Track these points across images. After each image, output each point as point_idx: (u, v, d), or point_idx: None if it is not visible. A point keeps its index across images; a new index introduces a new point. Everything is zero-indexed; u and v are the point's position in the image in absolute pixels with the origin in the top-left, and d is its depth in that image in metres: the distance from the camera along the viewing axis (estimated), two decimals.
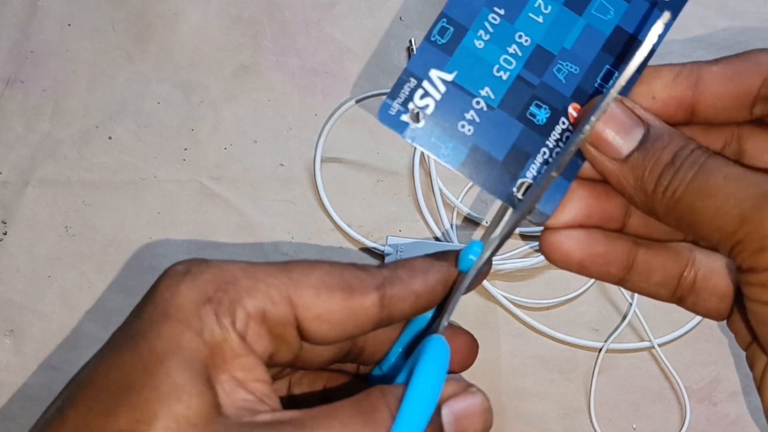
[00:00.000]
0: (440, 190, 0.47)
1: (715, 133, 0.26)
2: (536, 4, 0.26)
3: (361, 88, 0.49)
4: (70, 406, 0.21)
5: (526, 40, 0.26)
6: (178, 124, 0.49)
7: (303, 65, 0.50)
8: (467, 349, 0.29)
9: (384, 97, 0.49)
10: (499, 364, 0.45)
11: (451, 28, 0.26)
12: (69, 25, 0.51)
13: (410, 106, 0.26)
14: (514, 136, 0.26)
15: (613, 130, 0.24)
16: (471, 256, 0.26)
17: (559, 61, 0.26)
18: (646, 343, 0.45)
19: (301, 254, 0.47)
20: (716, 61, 0.25)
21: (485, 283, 0.45)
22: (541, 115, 0.26)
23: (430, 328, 0.28)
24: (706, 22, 0.51)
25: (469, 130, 0.26)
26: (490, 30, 0.26)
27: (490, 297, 0.46)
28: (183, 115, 0.49)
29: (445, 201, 0.47)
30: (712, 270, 0.27)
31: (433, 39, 0.26)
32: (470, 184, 0.48)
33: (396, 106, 0.26)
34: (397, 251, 0.46)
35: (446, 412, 0.23)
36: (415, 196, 0.48)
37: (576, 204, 0.26)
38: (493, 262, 0.45)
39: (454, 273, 0.26)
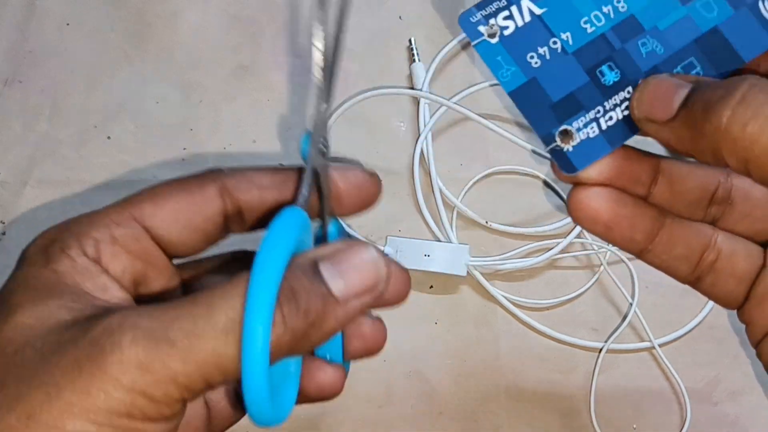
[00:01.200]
0: (440, 190, 0.47)
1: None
2: None
3: (360, 88, 0.49)
4: None
5: (623, 6, 0.26)
6: (177, 124, 0.49)
7: (302, 65, 0.50)
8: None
9: (384, 95, 0.49)
10: (499, 364, 0.45)
11: None
12: (68, 24, 0.51)
13: (491, 21, 0.27)
14: (575, 85, 0.26)
15: (659, 95, 0.24)
16: (304, 146, 0.27)
17: (648, 37, 0.26)
18: (646, 344, 0.45)
19: None
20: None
21: (485, 283, 0.45)
22: (610, 76, 0.26)
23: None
24: None
25: (537, 63, 0.26)
26: None
27: (490, 297, 0.46)
28: (182, 115, 0.49)
29: (445, 201, 0.47)
30: (733, 251, 0.27)
31: None
32: (470, 184, 0.48)
33: (479, 16, 0.27)
34: (397, 251, 0.45)
35: (324, 266, 0.22)
36: (415, 196, 0.47)
37: (606, 161, 0.26)
38: (493, 262, 0.45)
39: (296, 171, 0.26)
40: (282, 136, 0.49)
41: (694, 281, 0.28)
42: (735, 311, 0.28)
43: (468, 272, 0.45)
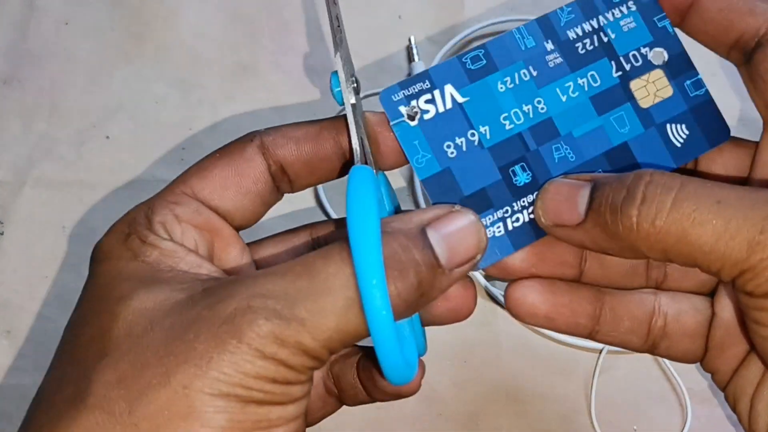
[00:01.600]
0: None
1: None
2: (567, 84, 0.26)
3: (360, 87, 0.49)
4: (56, 351, 0.24)
5: (543, 108, 0.26)
6: (176, 124, 0.49)
7: (302, 64, 0.50)
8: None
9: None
10: (500, 365, 0.45)
11: (484, 61, 0.27)
12: (66, 24, 0.51)
13: (413, 103, 0.26)
14: (487, 181, 0.26)
15: (561, 200, 0.25)
16: (336, 89, 0.27)
17: (562, 142, 0.26)
18: None
19: None
20: None
21: (485, 282, 0.45)
22: (522, 177, 0.26)
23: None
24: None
25: (452, 153, 0.26)
26: (516, 82, 0.26)
27: (490, 297, 0.45)
28: (181, 114, 0.49)
29: None
30: (680, 311, 0.27)
31: (464, 60, 0.27)
32: None
33: (401, 95, 0.27)
34: None
35: (432, 233, 0.23)
36: (415, 196, 0.47)
37: (527, 250, 0.26)
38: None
39: (331, 123, 0.26)
40: None
41: (650, 349, 0.28)
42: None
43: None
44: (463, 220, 0.24)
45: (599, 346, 0.45)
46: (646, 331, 0.27)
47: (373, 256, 0.21)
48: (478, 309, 0.46)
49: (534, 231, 0.26)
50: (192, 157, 0.48)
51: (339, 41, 0.27)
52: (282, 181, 0.27)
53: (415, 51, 0.49)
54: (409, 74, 0.50)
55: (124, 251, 0.24)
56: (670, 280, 0.28)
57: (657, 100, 0.27)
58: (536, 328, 0.45)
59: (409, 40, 0.50)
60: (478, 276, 0.45)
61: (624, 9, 0.27)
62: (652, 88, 0.27)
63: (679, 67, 0.27)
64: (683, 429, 0.44)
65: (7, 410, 0.43)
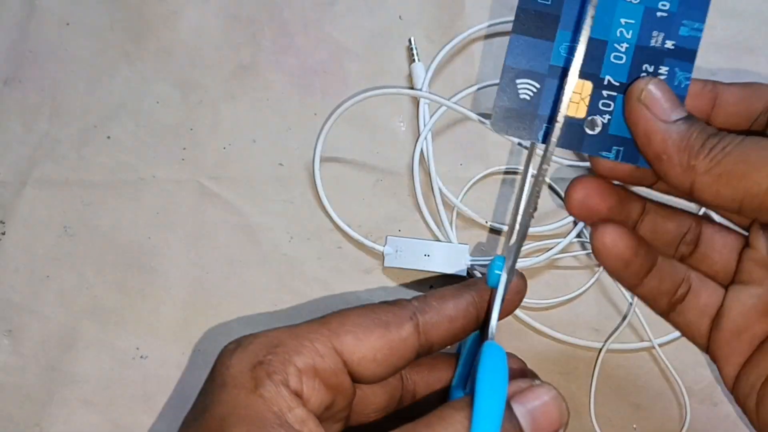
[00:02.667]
0: (440, 190, 0.47)
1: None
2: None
3: (360, 88, 0.49)
4: None
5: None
6: (176, 124, 0.49)
7: (302, 65, 0.50)
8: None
9: (384, 95, 0.49)
10: None
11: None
12: (68, 24, 0.51)
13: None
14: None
15: (665, 98, 0.26)
16: (496, 271, 0.28)
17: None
18: (646, 343, 0.45)
19: (301, 253, 0.47)
20: (730, 84, 0.28)
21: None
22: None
23: (481, 340, 0.29)
24: (707, 22, 0.51)
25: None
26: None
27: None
28: (182, 114, 0.49)
29: (444, 201, 0.47)
30: (700, 287, 0.29)
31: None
32: (470, 184, 0.48)
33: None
34: (396, 251, 0.45)
35: (518, 408, 0.24)
36: (415, 196, 0.47)
37: (605, 197, 0.28)
38: None
39: (485, 292, 0.28)
40: (282, 136, 0.49)
41: (667, 312, 0.30)
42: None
43: (468, 272, 0.45)
44: (547, 394, 0.25)
45: (599, 345, 0.45)
46: (673, 296, 0.29)
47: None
48: None
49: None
50: (192, 157, 0.48)
51: (521, 233, 0.28)
52: (421, 354, 0.27)
53: (415, 52, 0.49)
54: (410, 76, 0.50)
55: (249, 381, 0.24)
56: (691, 260, 0.30)
57: None
58: (536, 327, 0.45)
59: (410, 40, 0.50)
60: (478, 276, 0.45)
61: None
62: None
63: None
64: (682, 428, 0.44)
65: (9, 410, 0.43)
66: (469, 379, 0.28)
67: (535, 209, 0.27)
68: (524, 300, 0.45)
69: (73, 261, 0.46)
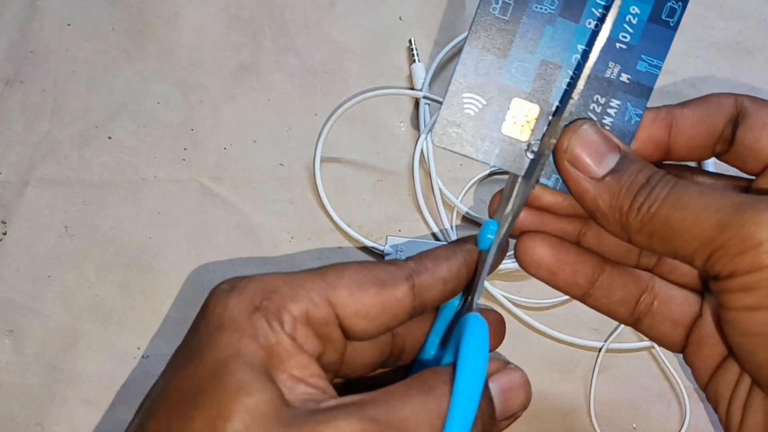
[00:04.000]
0: (440, 190, 0.47)
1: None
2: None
3: (360, 88, 0.49)
4: (150, 418, 0.23)
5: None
6: (177, 124, 0.49)
7: (302, 65, 0.50)
8: (498, 327, 0.30)
9: (384, 95, 0.49)
10: None
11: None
12: (68, 25, 0.51)
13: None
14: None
15: (591, 152, 0.26)
16: (489, 236, 0.28)
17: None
18: (645, 343, 0.45)
19: (301, 253, 0.47)
20: (685, 104, 0.27)
21: (485, 282, 0.45)
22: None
23: (463, 310, 0.29)
24: (705, 22, 0.51)
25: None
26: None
27: (490, 297, 0.46)
28: (183, 115, 0.49)
29: (444, 201, 0.47)
30: (669, 297, 0.29)
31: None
32: (470, 184, 0.48)
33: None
34: (396, 251, 0.46)
35: (493, 386, 0.25)
36: (415, 196, 0.48)
37: (533, 213, 0.28)
38: None
39: (475, 254, 0.28)
40: (282, 136, 0.49)
41: (634, 323, 0.29)
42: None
43: None
44: (519, 377, 0.26)
45: (599, 345, 0.45)
46: (633, 305, 0.29)
47: (470, 417, 0.23)
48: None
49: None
50: (193, 157, 0.48)
51: (515, 209, 0.28)
52: (414, 315, 0.27)
53: (415, 52, 0.50)
54: (410, 76, 0.50)
55: (248, 326, 0.24)
56: (661, 269, 0.29)
57: None
58: (536, 327, 0.45)
59: (410, 41, 0.50)
60: None
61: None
62: None
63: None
64: (682, 427, 0.44)
65: (11, 409, 0.44)
66: (448, 344, 0.27)
67: (537, 181, 0.27)
68: (524, 300, 0.46)
69: (75, 261, 0.46)
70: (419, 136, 0.48)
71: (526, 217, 0.28)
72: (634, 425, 0.44)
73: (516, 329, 0.46)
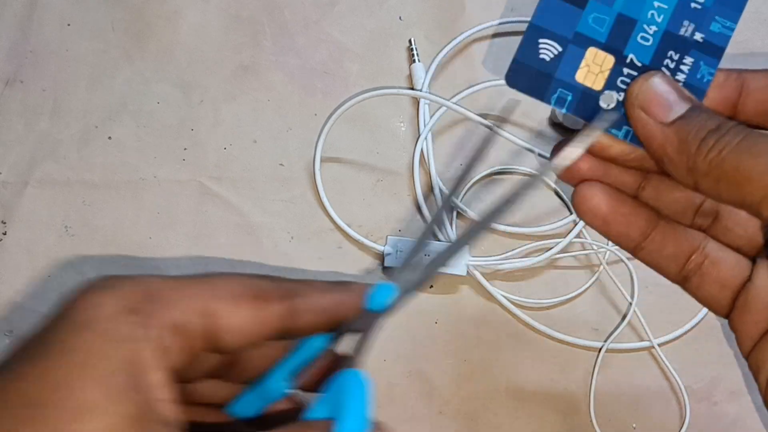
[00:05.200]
0: (440, 189, 0.47)
1: None
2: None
3: (360, 88, 0.49)
4: None
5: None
6: (177, 124, 0.49)
7: (302, 65, 0.50)
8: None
9: (384, 95, 0.49)
10: (499, 363, 0.45)
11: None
12: (68, 25, 0.51)
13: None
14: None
15: (662, 99, 0.26)
16: (382, 299, 0.27)
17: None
18: (645, 343, 0.45)
19: (301, 253, 0.47)
20: (758, 70, 0.27)
21: (485, 282, 0.45)
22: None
23: (341, 361, 0.28)
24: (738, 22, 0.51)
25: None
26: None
27: (490, 297, 0.46)
28: (182, 114, 0.49)
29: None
30: (720, 258, 0.29)
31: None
32: (470, 184, 0.48)
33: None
34: (396, 251, 0.46)
35: None
36: (415, 196, 0.48)
37: (595, 162, 0.28)
38: (493, 262, 0.46)
39: (358, 302, 0.27)
40: (282, 136, 0.49)
41: (682, 281, 0.29)
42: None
43: (468, 272, 0.45)
44: None
45: (599, 345, 0.45)
46: (683, 263, 0.29)
47: None
48: (478, 308, 0.47)
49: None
50: (193, 157, 0.48)
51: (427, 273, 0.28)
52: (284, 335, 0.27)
53: (415, 52, 0.50)
54: (410, 76, 0.50)
55: (115, 328, 0.21)
56: (714, 231, 0.30)
57: None
58: (536, 327, 0.45)
59: (410, 41, 0.50)
60: (478, 276, 0.45)
61: None
62: None
63: None
64: (682, 427, 0.44)
65: None
66: (321, 393, 0.26)
67: (453, 253, 0.28)
68: (524, 300, 0.46)
69: (75, 261, 0.46)
70: (419, 136, 0.48)
71: (587, 165, 0.28)
72: (634, 425, 0.44)
73: (516, 329, 0.46)
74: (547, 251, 0.46)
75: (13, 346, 0.22)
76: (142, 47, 0.51)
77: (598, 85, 0.27)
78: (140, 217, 0.47)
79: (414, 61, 0.50)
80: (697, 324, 0.46)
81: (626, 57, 0.27)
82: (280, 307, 0.26)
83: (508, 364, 0.45)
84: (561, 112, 0.27)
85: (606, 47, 0.27)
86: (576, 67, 0.27)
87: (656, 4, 0.27)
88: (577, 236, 0.46)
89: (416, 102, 0.49)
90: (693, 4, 0.27)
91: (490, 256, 0.46)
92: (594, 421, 0.44)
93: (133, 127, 0.49)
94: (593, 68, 0.27)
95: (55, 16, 0.51)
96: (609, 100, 0.27)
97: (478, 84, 0.48)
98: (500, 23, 0.50)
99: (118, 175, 0.48)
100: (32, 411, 0.20)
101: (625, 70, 0.27)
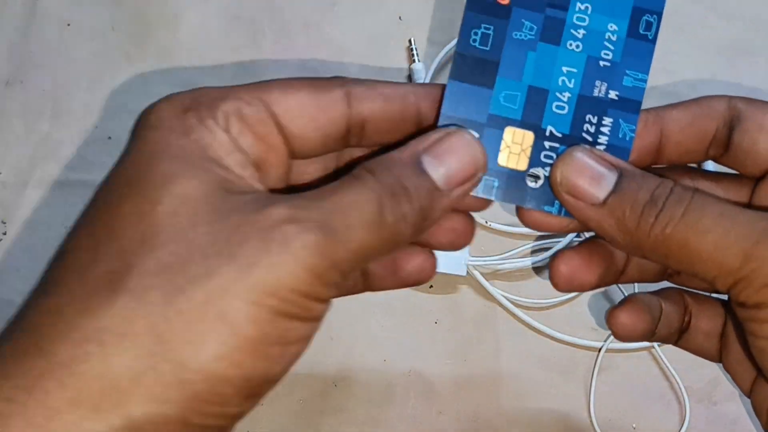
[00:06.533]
0: None
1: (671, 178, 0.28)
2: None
3: None
4: (81, 217, 0.23)
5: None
6: None
7: (303, 66, 0.50)
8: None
9: None
10: (499, 364, 0.45)
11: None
12: (68, 25, 0.51)
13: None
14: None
15: (587, 177, 0.25)
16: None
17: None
18: (645, 343, 0.45)
19: None
20: (674, 106, 0.27)
21: (485, 282, 0.45)
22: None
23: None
24: (706, 23, 0.51)
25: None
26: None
27: (490, 297, 0.46)
28: None
29: None
30: (699, 312, 0.29)
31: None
32: None
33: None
34: None
35: (428, 159, 0.24)
36: None
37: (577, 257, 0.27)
38: (493, 262, 0.45)
39: (435, 94, 0.26)
40: None
41: (676, 342, 0.30)
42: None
43: (468, 272, 0.45)
44: (459, 140, 0.25)
45: (599, 345, 0.45)
46: (679, 329, 0.29)
47: None
48: (479, 309, 0.46)
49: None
50: None
51: None
52: (355, 134, 0.26)
53: (415, 52, 0.50)
54: (409, 76, 0.50)
55: (177, 124, 0.23)
56: (679, 280, 0.30)
57: None
58: (536, 327, 0.45)
59: (410, 41, 0.50)
60: (478, 275, 0.45)
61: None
62: None
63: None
64: (682, 427, 0.44)
65: None
66: None
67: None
68: (524, 300, 0.46)
69: None
70: None
71: (575, 276, 0.27)
72: (634, 425, 0.44)
73: (516, 329, 0.46)
74: (547, 251, 0.46)
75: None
76: (142, 48, 0.51)
77: (522, 165, 0.26)
78: None
79: (414, 61, 0.50)
80: None
81: (545, 130, 0.26)
82: (339, 92, 0.25)
83: (508, 365, 0.45)
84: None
85: (523, 124, 0.26)
86: (497, 151, 0.26)
87: (565, 69, 0.26)
88: (577, 236, 0.46)
89: None
90: (602, 62, 0.26)
91: (490, 256, 0.46)
92: (594, 421, 0.44)
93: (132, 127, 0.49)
94: (514, 148, 0.26)
95: (56, 16, 0.51)
96: (536, 179, 0.26)
97: None
98: None
99: None
100: (126, 188, 0.22)
101: (547, 143, 0.26)
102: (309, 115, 0.24)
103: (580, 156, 0.25)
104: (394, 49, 0.51)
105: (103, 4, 0.51)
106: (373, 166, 0.23)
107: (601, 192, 0.25)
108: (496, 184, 0.26)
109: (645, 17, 0.26)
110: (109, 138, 0.49)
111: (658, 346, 0.45)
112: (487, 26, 0.27)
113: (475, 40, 0.27)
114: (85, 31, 0.51)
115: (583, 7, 0.26)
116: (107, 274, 0.20)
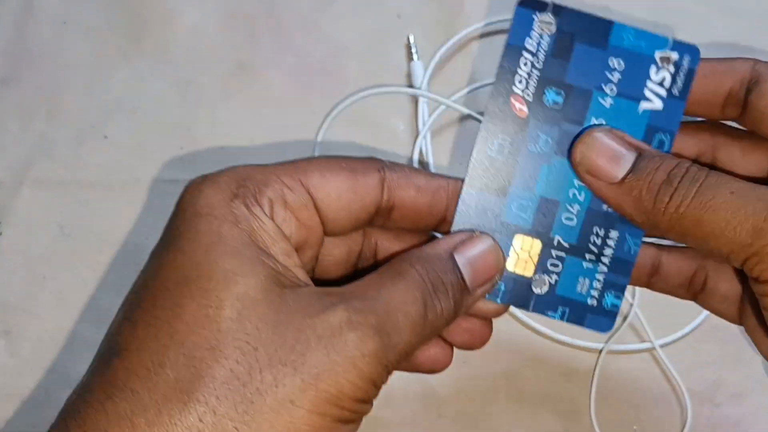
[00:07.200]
0: None
1: (690, 141, 0.28)
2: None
3: (359, 86, 0.49)
4: (136, 309, 0.23)
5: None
6: (174, 123, 0.49)
7: (300, 63, 0.50)
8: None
9: (382, 94, 0.48)
10: (499, 365, 0.45)
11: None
12: (64, 23, 0.51)
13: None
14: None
15: (606, 157, 0.26)
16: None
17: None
18: (647, 344, 0.45)
19: None
20: (702, 59, 0.28)
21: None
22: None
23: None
24: (707, 22, 0.51)
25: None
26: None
27: None
28: (179, 113, 0.49)
29: None
30: (717, 276, 0.29)
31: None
32: None
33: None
34: None
35: (459, 258, 0.25)
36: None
37: None
38: None
39: (456, 189, 0.27)
40: (280, 135, 0.49)
41: (693, 298, 0.30)
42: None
43: None
44: (484, 244, 0.26)
45: (599, 346, 0.45)
46: (688, 285, 0.29)
47: None
48: None
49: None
50: (191, 157, 0.48)
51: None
52: (381, 216, 0.27)
53: (414, 50, 0.49)
54: (408, 74, 0.50)
55: (228, 213, 0.23)
56: None
57: None
58: (536, 327, 0.45)
59: (408, 39, 0.50)
60: None
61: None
62: None
63: None
64: (683, 429, 0.44)
65: (6, 411, 0.43)
66: None
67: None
68: None
69: (70, 261, 0.46)
70: (418, 135, 0.48)
71: None
72: (635, 427, 0.44)
73: (516, 330, 0.45)
74: None
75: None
76: (138, 46, 0.50)
77: (528, 272, 0.27)
78: (136, 216, 0.47)
79: (413, 59, 0.49)
80: (699, 325, 0.45)
81: (553, 239, 0.27)
82: (375, 177, 0.26)
83: (508, 366, 0.45)
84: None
85: (532, 232, 0.27)
86: (506, 256, 0.27)
87: (577, 182, 0.27)
88: None
89: (415, 100, 0.49)
90: None
91: None
92: (594, 423, 0.44)
93: (129, 126, 0.49)
94: (522, 255, 0.27)
95: (51, 14, 0.51)
96: (541, 285, 0.27)
97: (477, 83, 0.48)
98: (499, 21, 0.49)
99: (114, 174, 0.48)
100: (185, 286, 0.22)
101: (554, 252, 0.27)
102: (346, 201, 0.26)
103: (600, 136, 0.26)
104: (393, 46, 0.50)
105: (100, 2, 0.51)
106: (414, 260, 0.24)
107: (619, 171, 0.25)
108: (503, 288, 0.27)
109: (658, 136, 0.27)
110: (105, 137, 0.48)
111: (660, 346, 0.45)
112: (504, 137, 0.27)
113: (491, 150, 0.27)
114: (82, 29, 0.51)
115: (597, 122, 0.27)
116: (176, 382, 0.21)
